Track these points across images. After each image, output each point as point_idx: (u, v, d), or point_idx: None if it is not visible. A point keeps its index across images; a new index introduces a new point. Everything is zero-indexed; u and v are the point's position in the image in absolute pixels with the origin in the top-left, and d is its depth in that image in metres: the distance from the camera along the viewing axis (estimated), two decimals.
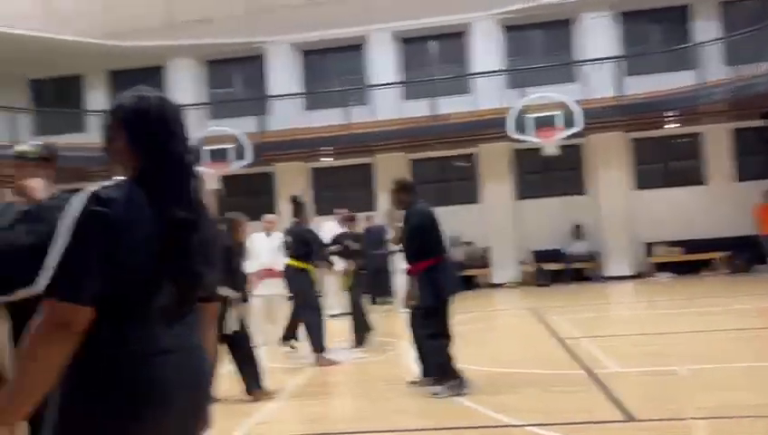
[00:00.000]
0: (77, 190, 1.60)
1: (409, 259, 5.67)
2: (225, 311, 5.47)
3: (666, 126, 14.94)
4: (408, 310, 5.76)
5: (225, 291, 5.47)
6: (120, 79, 16.77)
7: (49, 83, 15.14)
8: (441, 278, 5.47)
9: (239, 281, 5.79)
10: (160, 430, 1.58)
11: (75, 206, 1.54)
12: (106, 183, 1.62)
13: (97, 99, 16.66)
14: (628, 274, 14.88)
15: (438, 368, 5.43)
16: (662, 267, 14.79)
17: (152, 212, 1.60)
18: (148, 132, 1.67)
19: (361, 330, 8.20)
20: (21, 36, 14.72)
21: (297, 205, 7.71)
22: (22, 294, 2.67)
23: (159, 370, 1.57)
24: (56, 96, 15.86)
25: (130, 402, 1.52)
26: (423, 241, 5.53)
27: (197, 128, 14.97)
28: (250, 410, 5.31)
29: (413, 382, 5.74)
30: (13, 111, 14.58)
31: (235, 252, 5.77)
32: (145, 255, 1.57)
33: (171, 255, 1.61)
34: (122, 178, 1.66)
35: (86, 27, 15.22)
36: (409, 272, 5.66)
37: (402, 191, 5.82)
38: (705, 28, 14.91)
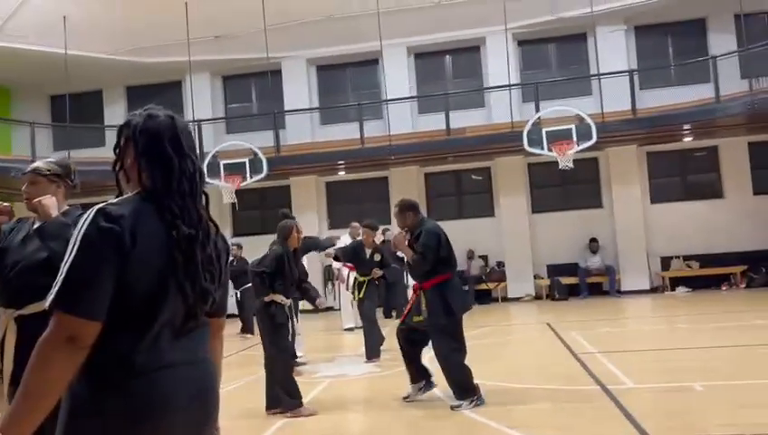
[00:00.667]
0: (93, 205, 1.64)
1: (418, 276, 5.68)
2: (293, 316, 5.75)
3: (682, 139, 14.84)
4: (411, 324, 5.73)
5: (279, 298, 5.66)
6: (139, 94, 17.00)
7: (69, 99, 15.34)
8: (451, 295, 5.49)
9: (293, 287, 5.87)
10: None
11: (84, 221, 1.58)
12: (114, 199, 1.66)
13: (116, 114, 16.88)
14: (644, 288, 14.75)
15: (460, 383, 5.44)
16: (678, 282, 14.64)
17: (160, 228, 1.63)
18: (157, 150, 1.71)
19: (375, 343, 8.19)
20: (41, 52, 14.97)
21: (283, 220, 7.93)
22: (32, 308, 2.72)
23: (165, 383, 1.59)
24: (76, 111, 16.08)
25: (136, 415, 1.54)
26: (433, 259, 5.54)
27: (214, 142, 15.14)
28: (263, 426, 5.32)
29: (405, 398, 5.77)
30: (33, 127, 14.79)
31: (288, 259, 5.82)
32: (152, 270, 1.60)
33: (178, 270, 1.63)
34: (131, 194, 1.70)
35: (105, 44, 15.46)
36: (417, 289, 5.67)
37: (408, 210, 5.84)
38: (721, 41, 14.83)
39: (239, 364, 8.47)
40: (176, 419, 1.60)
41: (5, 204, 2.93)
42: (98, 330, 1.53)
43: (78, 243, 1.54)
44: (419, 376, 5.79)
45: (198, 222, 1.71)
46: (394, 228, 13.55)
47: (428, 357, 6.06)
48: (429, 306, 5.49)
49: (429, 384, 5.79)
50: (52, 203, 2.85)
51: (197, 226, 1.70)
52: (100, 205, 1.60)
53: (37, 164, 3.00)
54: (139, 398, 1.55)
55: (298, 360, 7.94)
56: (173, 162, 1.71)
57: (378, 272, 8.52)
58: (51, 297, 1.53)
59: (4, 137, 16.25)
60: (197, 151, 1.81)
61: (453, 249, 5.75)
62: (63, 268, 1.54)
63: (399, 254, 10.71)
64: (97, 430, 1.53)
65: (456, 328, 5.54)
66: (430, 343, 5.66)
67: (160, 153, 1.71)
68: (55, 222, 2.77)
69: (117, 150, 1.76)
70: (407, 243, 5.73)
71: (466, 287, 14.68)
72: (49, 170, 2.96)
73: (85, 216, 1.59)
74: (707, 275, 14.51)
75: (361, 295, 8.51)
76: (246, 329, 11.79)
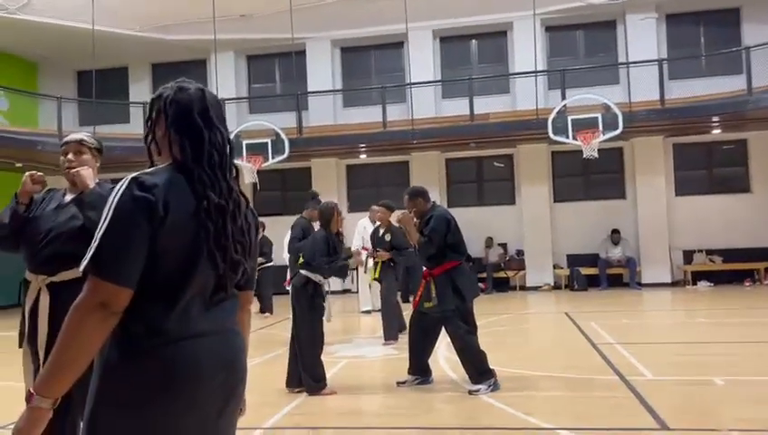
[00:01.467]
0: (119, 180, 1.65)
1: (428, 263, 5.68)
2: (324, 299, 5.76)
3: (710, 132, 14.59)
4: (423, 310, 5.71)
5: (317, 278, 5.71)
6: (164, 71, 17.09)
7: (95, 75, 15.45)
8: (461, 281, 5.52)
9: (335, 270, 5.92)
10: (194, 412, 1.61)
11: (118, 190, 1.59)
12: (147, 170, 1.67)
13: (141, 91, 17.00)
14: (665, 281, 14.59)
15: (477, 366, 5.46)
16: (701, 276, 14.47)
17: (191, 198, 1.64)
18: (187, 121, 1.72)
19: (393, 326, 8.19)
20: (68, 28, 15.08)
21: (310, 200, 7.93)
22: (63, 275, 2.79)
23: (194, 352, 1.61)
24: (101, 87, 16.19)
25: (164, 382, 1.56)
26: (442, 244, 5.56)
27: (237, 121, 15.18)
28: (280, 402, 5.37)
29: (401, 383, 5.79)
30: (60, 101, 14.93)
31: (332, 242, 5.85)
32: (184, 239, 1.61)
33: (209, 240, 1.64)
34: (162, 165, 1.71)
35: (132, 20, 15.53)
36: (427, 275, 5.67)
37: (417, 197, 5.87)
38: (756, 32, 14.50)
39: (257, 343, 8.54)
40: (202, 387, 1.61)
41: (39, 174, 3.00)
42: (129, 296, 1.55)
43: (112, 210, 1.56)
44: (418, 371, 5.80)
45: (229, 194, 1.72)
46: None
47: (446, 343, 6.08)
48: (439, 293, 5.52)
49: (425, 381, 5.82)
50: (89, 174, 2.95)
51: (228, 197, 1.71)
52: (135, 174, 1.62)
53: (83, 136, 3.09)
54: (168, 365, 1.57)
55: None
56: (203, 134, 1.72)
57: (384, 254, 8.42)
58: (85, 262, 1.55)
59: (31, 111, 16.44)
60: (226, 125, 1.82)
61: (462, 236, 5.78)
62: (98, 235, 1.56)
63: None
64: (126, 395, 1.56)
65: (468, 313, 5.58)
66: (444, 330, 5.68)
67: (190, 124, 1.72)
68: (93, 192, 2.85)
69: (149, 123, 1.77)
70: (415, 227, 5.75)
71: (484, 275, 14.67)
72: (94, 144, 3.07)
73: (119, 184, 1.61)
74: (730, 270, 14.31)
75: (376, 275, 8.48)
76: (264, 308, 11.86)
